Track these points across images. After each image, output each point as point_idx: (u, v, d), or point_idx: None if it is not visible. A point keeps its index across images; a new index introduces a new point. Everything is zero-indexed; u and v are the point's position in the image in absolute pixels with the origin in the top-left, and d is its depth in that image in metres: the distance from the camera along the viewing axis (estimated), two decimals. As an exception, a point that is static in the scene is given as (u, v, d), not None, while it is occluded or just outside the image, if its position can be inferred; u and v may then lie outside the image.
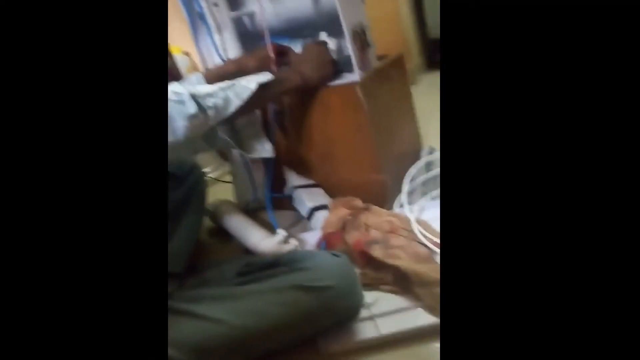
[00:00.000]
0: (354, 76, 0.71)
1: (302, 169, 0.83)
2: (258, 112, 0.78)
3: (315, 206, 0.78)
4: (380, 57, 0.83)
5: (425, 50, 1.90)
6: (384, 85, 0.80)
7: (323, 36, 0.77)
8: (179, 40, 1.18)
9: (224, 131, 0.70)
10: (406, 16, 1.67)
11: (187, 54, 1.16)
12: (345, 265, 0.52)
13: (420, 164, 0.92)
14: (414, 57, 1.76)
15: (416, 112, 1.01)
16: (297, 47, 0.78)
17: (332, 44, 0.76)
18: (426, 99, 1.54)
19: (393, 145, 0.84)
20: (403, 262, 0.54)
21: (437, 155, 0.95)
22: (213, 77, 0.67)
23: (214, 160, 1.21)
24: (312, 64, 0.71)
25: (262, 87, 0.62)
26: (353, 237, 0.64)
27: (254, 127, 0.75)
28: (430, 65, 1.94)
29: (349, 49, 0.69)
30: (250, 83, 0.61)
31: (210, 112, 0.56)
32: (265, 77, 0.63)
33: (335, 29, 0.75)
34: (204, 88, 0.58)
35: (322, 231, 0.70)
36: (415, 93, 1.72)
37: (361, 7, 0.75)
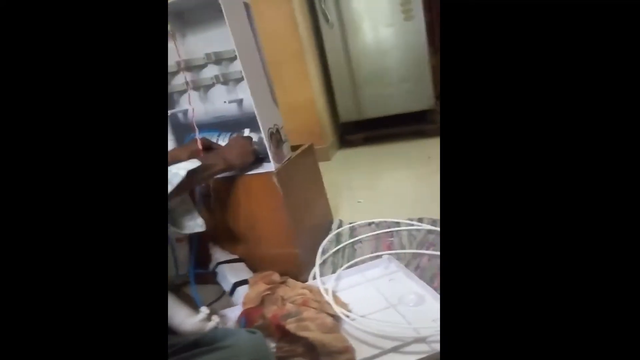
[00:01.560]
0: (271, 166, 0.82)
1: (227, 244, 0.89)
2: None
3: (237, 281, 0.82)
4: (295, 147, 0.97)
5: (337, 131, 2.15)
6: (296, 172, 0.92)
7: (246, 132, 0.88)
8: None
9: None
10: (320, 103, 1.91)
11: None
12: (260, 342, 0.56)
13: (330, 235, 1.03)
14: (328, 137, 1.99)
15: (326, 190, 1.14)
16: (223, 140, 0.88)
17: (254, 138, 0.88)
18: (338, 173, 1.73)
19: (306, 222, 0.94)
20: (312, 333, 0.61)
21: (346, 226, 1.07)
22: None
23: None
24: (236, 152, 0.81)
25: (191, 172, 0.69)
26: (270, 311, 0.69)
27: (186, 204, 0.79)
28: (341, 143, 2.18)
29: (266, 146, 0.81)
30: (180, 170, 0.67)
31: None
32: (193, 164, 0.70)
33: (256, 127, 0.88)
34: None
35: (242, 307, 0.74)
36: (329, 167, 1.92)
37: (276, 111, 0.89)
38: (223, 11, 0.69)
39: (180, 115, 0.92)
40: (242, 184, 0.83)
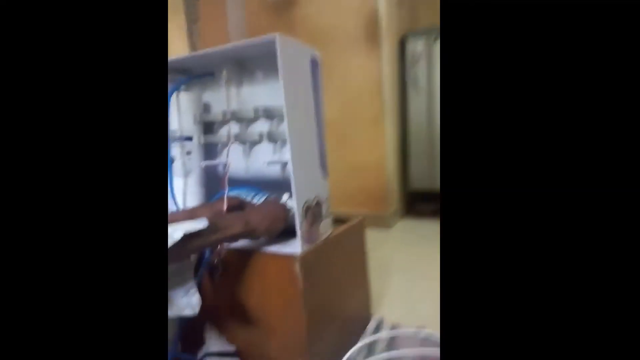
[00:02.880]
0: (296, 247, 0.66)
1: (226, 329, 0.73)
2: (191, 259, 0.71)
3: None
4: (340, 221, 0.80)
5: (403, 198, 1.93)
6: (331, 256, 0.75)
7: (285, 197, 0.74)
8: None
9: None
10: (391, 166, 1.73)
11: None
12: None
13: (361, 344, 0.81)
14: (393, 203, 1.78)
15: (373, 270, 0.93)
16: (259, 201, 0.75)
17: (292, 204, 0.73)
18: (394, 247, 1.49)
19: (331, 322, 0.74)
20: None
21: (384, 332, 0.85)
22: None
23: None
24: (262, 215, 0.66)
25: (190, 236, 0.55)
26: None
27: (181, 275, 0.67)
28: (406, 212, 1.95)
29: (297, 223, 0.65)
30: (175, 231, 0.54)
31: None
32: (198, 224, 0.56)
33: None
34: None
35: None
36: (386, 238, 1.67)
37: (322, 181, 0.74)
38: (279, 64, 0.58)
39: (220, 168, 0.82)
40: (258, 261, 0.68)
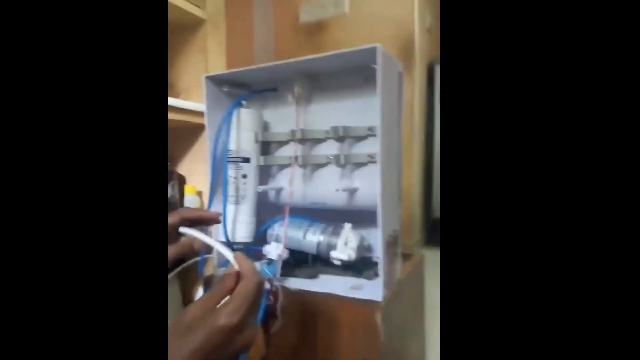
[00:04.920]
0: (376, 294, 0.55)
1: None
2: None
3: None
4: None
5: (425, 227, 1.84)
6: (402, 302, 0.64)
7: (347, 227, 0.64)
8: (198, 180, 1.09)
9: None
10: (416, 194, 1.65)
11: (199, 194, 1.05)
12: None
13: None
14: (416, 233, 1.68)
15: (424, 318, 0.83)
16: (314, 233, 0.65)
17: (352, 240, 0.63)
18: (428, 279, 1.37)
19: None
20: None
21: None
22: None
23: None
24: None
25: None
26: None
27: None
28: (427, 241, 1.85)
29: (379, 261, 0.55)
30: None
31: None
32: None
33: (365, 224, 0.64)
34: None
35: None
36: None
37: (399, 212, 0.64)
38: (378, 78, 0.50)
39: (272, 194, 0.72)
40: (326, 307, 0.57)
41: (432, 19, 1.74)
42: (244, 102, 0.67)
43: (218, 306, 0.35)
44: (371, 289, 0.57)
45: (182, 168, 1.13)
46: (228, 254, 0.41)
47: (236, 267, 0.39)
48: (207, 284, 0.69)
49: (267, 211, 0.71)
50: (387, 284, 0.57)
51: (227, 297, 0.36)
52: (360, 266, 0.63)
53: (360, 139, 0.62)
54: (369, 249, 0.69)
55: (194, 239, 0.46)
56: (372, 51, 0.50)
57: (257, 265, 0.61)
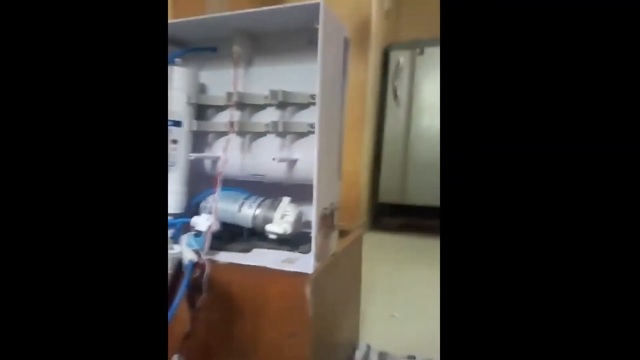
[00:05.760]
0: (307, 265, 0.54)
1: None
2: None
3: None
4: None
5: (371, 211, 1.88)
6: (337, 277, 0.64)
7: (285, 201, 0.62)
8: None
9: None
10: (364, 177, 1.67)
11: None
12: None
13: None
14: (362, 216, 1.71)
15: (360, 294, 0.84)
16: (250, 206, 0.61)
17: (291, 213, 0.61)
18: (365, 264, 1.41)
19: (329, 356, 0.63)
20: None
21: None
22: None
23: None
24: None
25: None
26: None
27: None
28: (372, 226, 1.90)
29: (312, 235, 0.53)
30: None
31: None
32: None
33: (302, 199, 0.62)
34: None
35: None
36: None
37: (337, 185, 0.63)
38: (319, 41, 0.47)
39: (207, 163, 0.67)
40: (256, 279, 0.55)
41: (391, 1, 1.73)
42: (177, 60, 0.60)
43: None
44: (304, 262, 0.55)
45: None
46: None
47: None
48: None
49: (202, 182, 0.66)
50: (319, 257, 0.55)
51: None
52: (297, 241, 0.61)
53: (302, 106, 0.59)
54: (308, 225, 0.67)
55: None
56: (316, 9, 0.46)
57: (184, 237, 0.56)
